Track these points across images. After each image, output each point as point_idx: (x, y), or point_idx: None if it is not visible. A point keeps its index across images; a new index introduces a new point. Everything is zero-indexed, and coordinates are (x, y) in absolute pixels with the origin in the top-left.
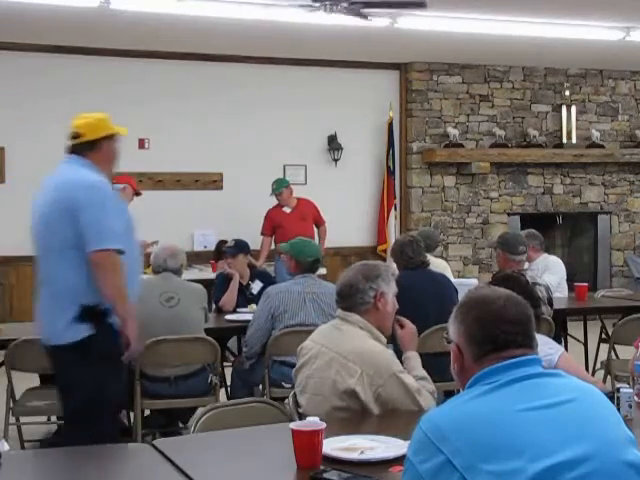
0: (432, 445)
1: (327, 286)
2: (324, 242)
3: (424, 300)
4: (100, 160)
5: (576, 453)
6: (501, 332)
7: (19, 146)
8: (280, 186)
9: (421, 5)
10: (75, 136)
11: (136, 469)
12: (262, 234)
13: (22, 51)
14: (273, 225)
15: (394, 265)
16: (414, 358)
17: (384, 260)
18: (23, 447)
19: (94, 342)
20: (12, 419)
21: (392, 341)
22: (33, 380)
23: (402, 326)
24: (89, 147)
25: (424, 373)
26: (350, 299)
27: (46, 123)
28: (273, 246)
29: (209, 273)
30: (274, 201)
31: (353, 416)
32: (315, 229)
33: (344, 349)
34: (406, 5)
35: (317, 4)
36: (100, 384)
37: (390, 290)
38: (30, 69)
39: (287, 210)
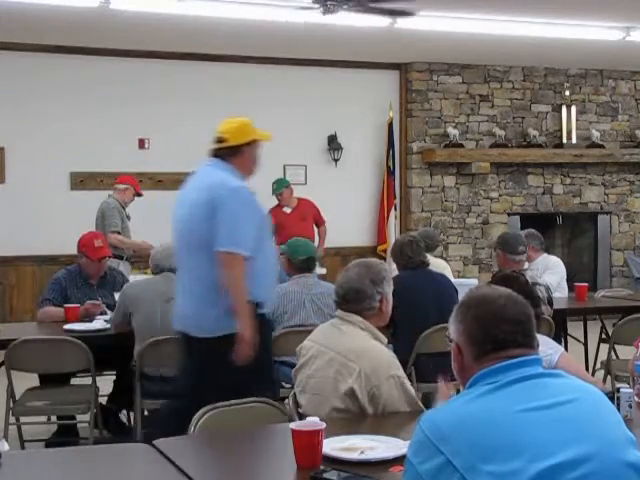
0: (432, 445)
1: (326, 286)
2: (324, 242)
3: (424, 300)
4: (241, 165)
5: (576, 453)
6: (501, 332)
7: (19, 146)
8: (280, 186)
9: (410, 14)
10: (219, 141)
11: (136, 469)
12: None
13: (22, 51)
14: (273, 225)
15: (394, 265)
16: None
17: (384, 260)
18: (23, 447)
19: (227, 338)
20: (12, 419)
21: (392, 341)
22: (33, 380)
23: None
24: (232, 152)
25: None
26: (357, 304)
27: (46, 123)
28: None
29: None
30: (274, 201)
31: (353, 416)
32: (315, 229)
33: (344, 348)
34: (395, 14)
35: (317, 4)
36: (239, 379)
37: (390, 290)
38: (30, 69)
39: (287, 210)
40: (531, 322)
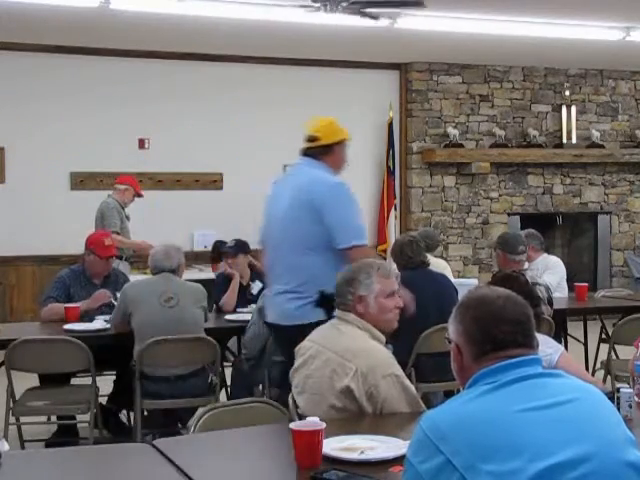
0: (432, 445)
1: None
2: None
3: (424, 300)
4: (333, 163)
5: (576, 453)
6: (500, 332)
7: (19, 146)
8: None
9: (419, 4)
10: (312, 139)
11: (136, 469)
12: None
13: (22, 51)
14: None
15: (394, 265)
16: None
17: (384, 260)
18: (23, 447)
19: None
20: (12, 419)
21: (392, 341)
22: (33, 380)
23: None
24: (324, 151)
25: None
26: (338, 299)
27: (46, 123)
28: None
29: (209, 273)
30: None
31: (353, 416)
32: None
33: (342, 348)
34: (404, 4)
35: (317, 4)
36: None
37: (371, 292)
38: (30, 69)
39: None
40: (530, 322)
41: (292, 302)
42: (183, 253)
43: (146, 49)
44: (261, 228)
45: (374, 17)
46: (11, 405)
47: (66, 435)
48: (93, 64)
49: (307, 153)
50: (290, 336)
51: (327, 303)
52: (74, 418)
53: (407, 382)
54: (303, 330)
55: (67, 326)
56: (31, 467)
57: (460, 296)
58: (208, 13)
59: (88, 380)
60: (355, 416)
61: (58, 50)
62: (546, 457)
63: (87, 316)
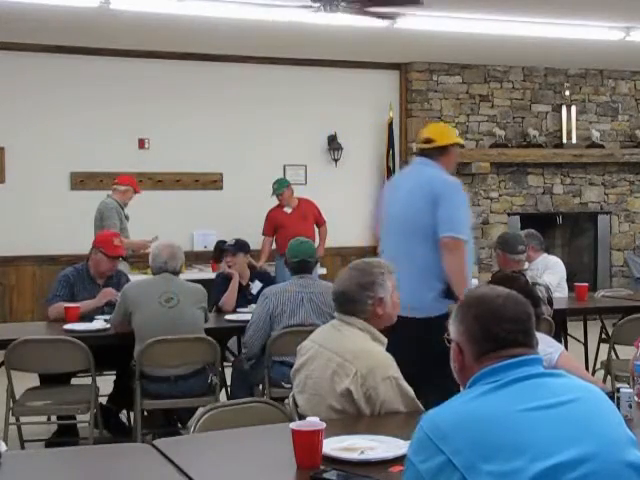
0: (432, 445)
1: (324, 285)
2: (324, 242)
3: None
4: (446, 163)
5: (577, 453)
6: (501, 330)
7: (19, 146)
8: (281, 186)
9: (417, 3)
10: (427, 141)
11: (136, 469)
12: (263, 234)
13: (22, 51)
14: (274, 225)
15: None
16: None
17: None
18: (23, 447)
19: (444, 317)
20: (12, 419)
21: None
22: (33, 380)
23: None
24: (439, 152)
25: None
26: (347, 306)
27: (46, 123)
28: (274, 246)
29: (209, 273)
30: (275, 201)
31: (352, 416)
32: (316, 229)
33: (342, 349)
34: (402, 3)
35: (317, 4)
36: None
37: (388, 292)
38: (30, 69)
39: (288, 210)
40: (531, 321)
41: (419, 293)
42: (183, 252)
43: (146, 49)
44: (374, 226)
45: (380, 16)
46: (11, 405)
47: (66, 435)
48: (93, 64)
49: (423, 153)
50: (419, 329)
51: (452, 294)
52: (74, 418)
53: (405, 385)
54: (435, 322)
55: (67, 326)
56: (31, 467)
57: None
58: (208, 13)
59: (88, 380)
60: (355, 416)
61: (58, 50)
62: (548, 457)
63: (87, 316)
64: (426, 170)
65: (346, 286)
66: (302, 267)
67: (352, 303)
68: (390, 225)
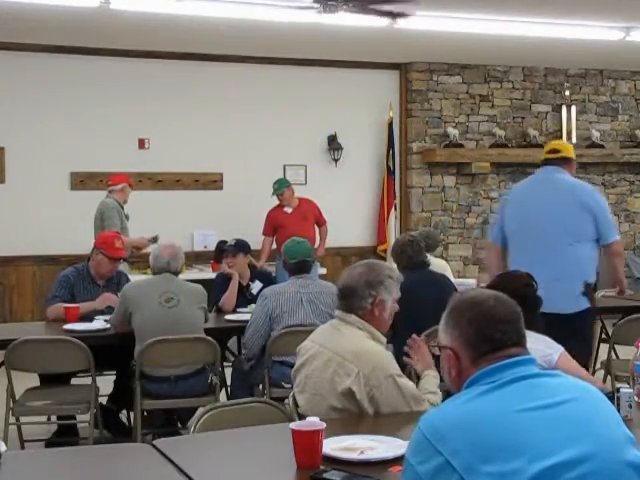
0: (430, 446)
1: (324, 285)
2: (324, 242)
3: (425, 301)
4: (570, 172)
5: (576, 453)
6: (496, 331)
7: (19, 146)
8: (281, 186)
9: (407, 15)
10: (553, 151)
11: (136, 469)
12: (263, 234)
13: (22, 51)
14: (274, 225)
15: (394, 265)
16: (431, 376)
17: (384, 260)
18: (23, 447)
19: (588, 313)
20: (12, 419)
21: (392, 341)
22: (33, 380)
23: (414, 350)
24: (565, 162)
25: (435, 389)
26: (348, 300)
27: (46, 123)
28: (275, 246)
29: (209, 273)
30: (275, 201)
31: (352, 416)
32: (317, 229)
33: (342, 349)
34: (394, 15)
35: (317, 4)
36: (592, 339)
37: (390, 297)
38: (30, 69)
39: (288, 210)
40: (521, 321)
41: (561, 291)
42: (183, 252)
43: (146, 49)
44: (500, 226)
45: (381, 15)
46: (11, 405)
47: (66, 435)
48: (93, 64)
49: (550, 162)
50: (564, 322)
51: (590, 292)
52: (74, 418)
53: (404, 380)
54: (576, 318)
55: (67, 326)
56: (31, 467)
57: None
58: (207, 13)
59: (88, 380)
60: (355, 416)
61: (58, 50)
62: (547, 457)
63: (87, 316)
64: (563, 177)
65: (353, 280)
66: (301, 267)
67: (353, 298)
68: (529, 229)
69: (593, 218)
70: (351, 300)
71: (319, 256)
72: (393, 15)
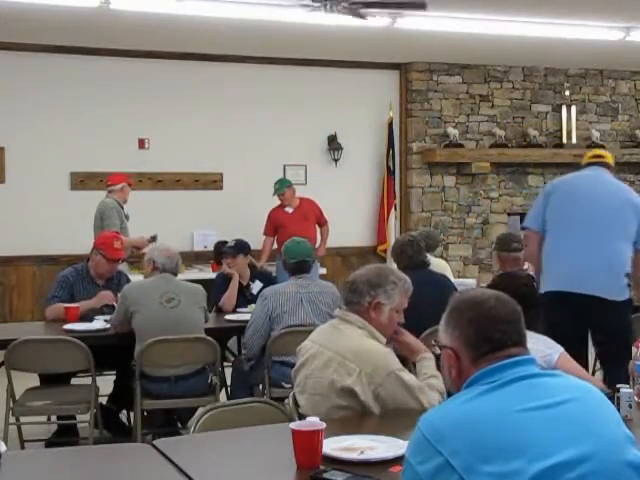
0: (430, 446)
1: (324, 285)
2: (325, 242)
3: (425, 300)
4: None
5: (576, 453)
6: (496, 331)
7: (19, 146)
8: (282, 186)
9: (421, 6)
10: (598, 156)
11: (136, 469)
12: (264, 234)
13: (22, 51)
14: (275, 225)
15: (394, 265)
16: (427, 359)
17: (384, 260)
18: (23, 447)
19: (628, 302)
20: (12, 419)
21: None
22: (33, 380)
23: (397, 339)
24: (607, 166)
25: (435, 372)
26: (348, 294)
27: (46, 123)
28: (276, 246)
29: (209, 273)
30: (275, 201)
31: (353, 416)
32: (318, 229)
33: (342, 348)
34: (406, 6)
35: (317, 4)
36: (631, 331)
37: (389, 303)
38: (30, 69)
39: (289, 210)
40: (522, 321)
41: (613, 280)
42: (179, 254)
43: (146, 49)
44: (542, 214)
45: (370, 17)
46: (11, 405)
47: (66, 435)
48: (93, 64)
49: (597, 164)
50: (610, 308)
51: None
52: (74, 418)
53: (406, 374)
54: (621, 305)
55: (67, 326)
56: (31, 467)
57: None
58: (207, 13)
59: (88, 380)
60: (355, 416)
61: (58, 50)
62: (547, 457)
63: (87, 316)
64: (611, 177)
65: (358, 277)
66: (301, 267)
67: (353, 293)
68: (579, 218)
69: (638, 221)
70: (351, 295)
71: (320, 256)
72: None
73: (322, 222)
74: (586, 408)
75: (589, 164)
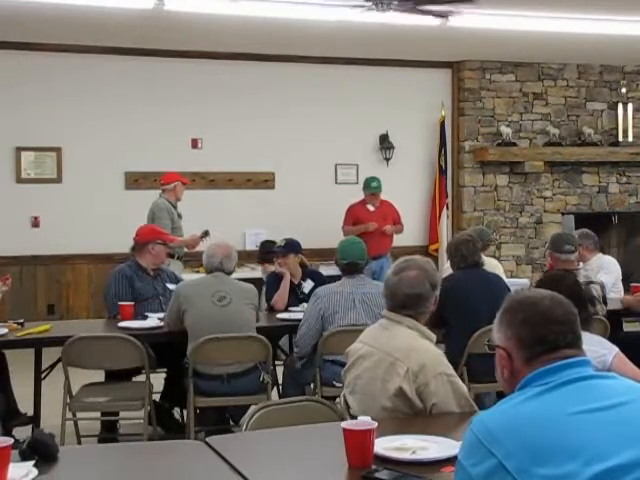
0: (484, 448)
1: (377, 286)
2: (397, 229)
3: (477, 300)
4: None
5: (633, 456)
6: (551, 332)
7: (75, 146)
8: (378, 189)
9: (469, 0)
10: None
11: (189, 465)
12: (344, 227)
13: (81, 53)
14: (354, 220)
15: (447, 264)
16: None
17: (436, 259)
18: (80, 442)
19: None
20: (69, 414)
21: (444, 341)
22: (90, 376)
23: None
24: None
25: None
26: (415, 309)
27: (102, 124)
28: None
29: (260, 272)
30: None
31: (404, 416)
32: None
33: (393, 348)
34: (455, 0)
35: (369, 3)
36: None
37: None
38: (88, 71)
39: (371, 208)
40: (577, 322)
41: None
42: (236, 251)
43: (199, 49)
44: None
45: (433, 14)
46: (68, 401)
47: (110, 431)
48: (147, 65)
49: None
50: None
51: None
52: (117, 414)
53: (458, 381)
54: None
55: (122, 324)
56: (87, 462)
57: None
58: (263, 14)
59: (142, 377)
60: (407, 416)
61: (113, 51)
62: (602, 460)
63: (141, 314)
64: None
65: (421, 288)
66: (351, 269)
67: (422, 304)
68: None
69: None
70: (418, 307)
71: (379, 228)
72: (442, 15)
73: (398, 224)
74: None
75: None
